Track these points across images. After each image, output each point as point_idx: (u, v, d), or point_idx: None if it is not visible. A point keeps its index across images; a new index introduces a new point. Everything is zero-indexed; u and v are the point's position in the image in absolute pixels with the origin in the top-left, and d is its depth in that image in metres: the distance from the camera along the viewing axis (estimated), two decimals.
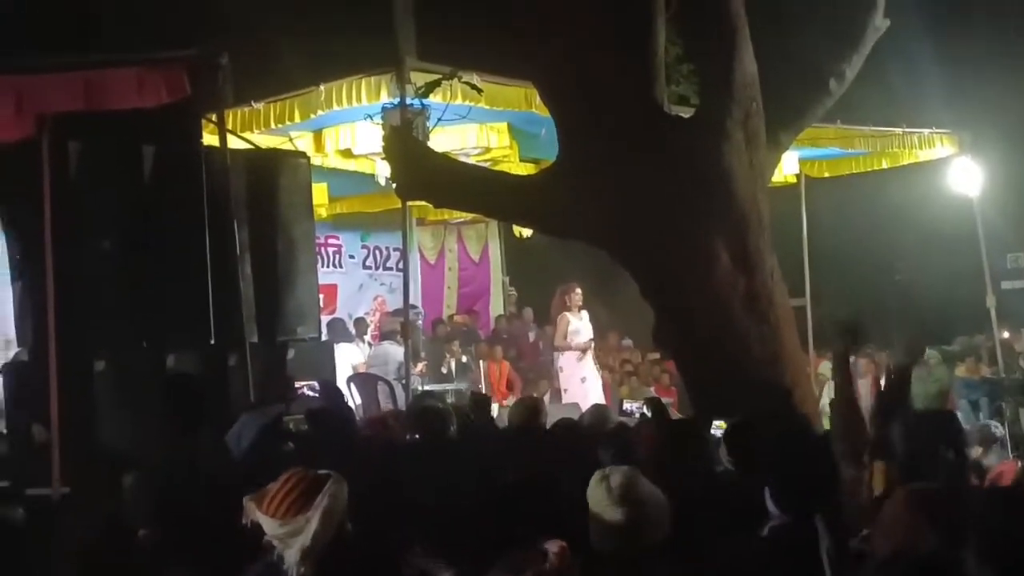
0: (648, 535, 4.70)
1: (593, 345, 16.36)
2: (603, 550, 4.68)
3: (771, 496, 5.23)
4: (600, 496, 4.74)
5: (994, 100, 20.45)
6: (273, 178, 10.74)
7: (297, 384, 10.14)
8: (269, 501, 4.53)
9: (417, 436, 7.70)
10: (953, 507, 4.23)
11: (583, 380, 15.90)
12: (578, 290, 16.19)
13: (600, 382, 16.18)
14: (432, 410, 7.86)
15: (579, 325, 16.13)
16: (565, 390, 16.00)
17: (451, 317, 20.79)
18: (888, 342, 20.43)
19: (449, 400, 14.18)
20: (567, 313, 16.16)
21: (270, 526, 4.51)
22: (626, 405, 9.15)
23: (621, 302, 15.95)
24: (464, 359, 18.19)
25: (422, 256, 21.12)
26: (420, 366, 16.51)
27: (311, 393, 8.99)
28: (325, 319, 15.67)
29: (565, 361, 16.15)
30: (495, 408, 15.15)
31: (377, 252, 20.54)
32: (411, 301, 15.39)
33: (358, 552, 4.59)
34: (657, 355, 18.38)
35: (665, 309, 9.46)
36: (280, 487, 4.56)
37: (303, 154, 12.27)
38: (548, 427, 8.06)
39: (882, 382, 6.86)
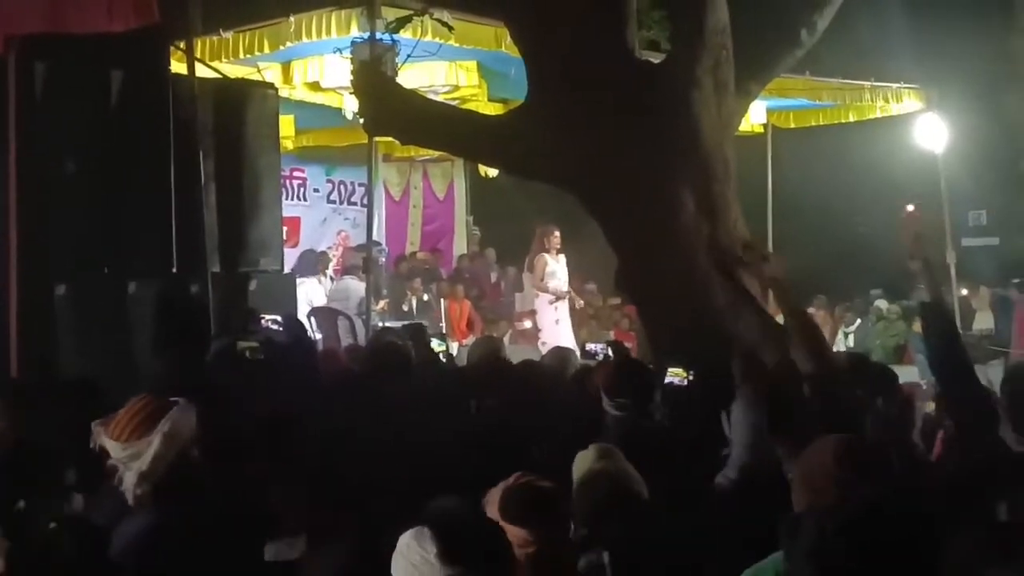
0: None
1: (570, 292, 16.42)
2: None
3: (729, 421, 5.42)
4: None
5: (962, 57, 20.54)
6: (240, 108, 10.71)
7: (261, 317, 10.16)
8: (114, 425, 4.54)
9: (376, 371, 7.73)
10: (882, 459, 4.25)
11: (556, 322, 15.97)
12: (557, 233, 16.21)
13: (570, 325, 16.23)
14: (392, 346, 7.88)
15: (556, 267, 16.16)
16: (540, 329, 16.07)
17: (413, 254, 20.85)
18: (847, 295, 20.62)
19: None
20: (545, 254, 16.18)
21: (114, 449, 4.51)
22: (589, 346, 9.19)
23: (585, 246, 15.99)
24: (425, 297, 18.25)
25: (387, 192, 21.11)
26: (381, 303, 16.55)
27: (274, 326, 9.01)
28: (290, 252, 15.68)
29: (539, 302, 16.19)
30: (454, 347, 15.28)
31: (342, 187, 20.52)
32: (374, 237, 15.42)
33: (201, 478, 4.57)
34: (618, 300, 18.48)
35: (628, 253, 9.51)
36: (126, 412, 4.56)
37: (271, 85, 12.22)
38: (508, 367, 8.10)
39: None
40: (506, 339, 15.99)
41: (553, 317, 16.04)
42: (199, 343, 8.33)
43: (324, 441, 4.96)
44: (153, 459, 4.43)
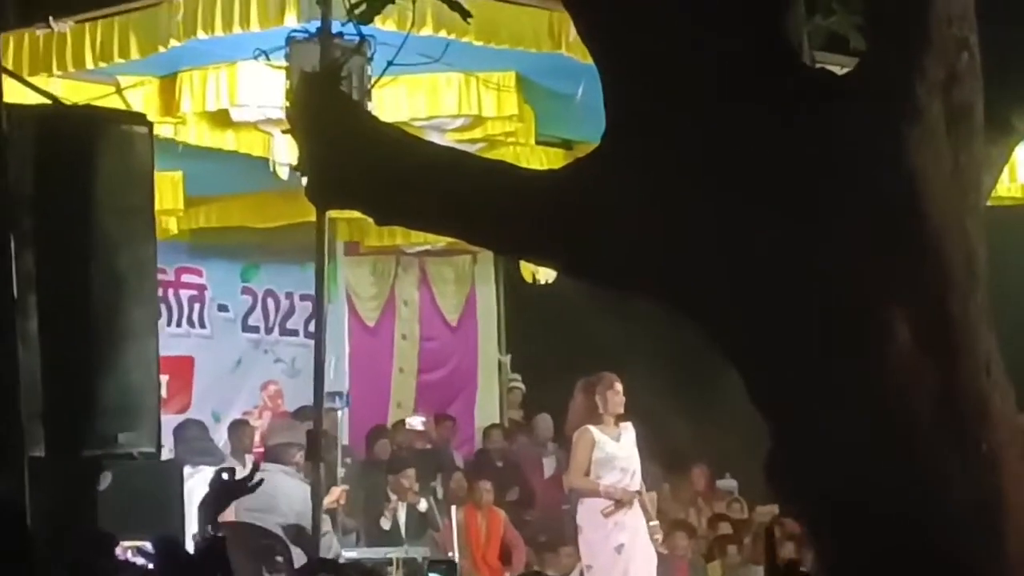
0: None
1: (642, 493, 16.24)
2: None
3: None
4: None
5: None
6: (85, 158, 10.83)
7: (120, 544, 10.16)
8: None
9: None
10: None
11: (618, 549, 15.78)
12: (617, 385, 16.14)
13: (653, 554, 16.09)
14: None
15: (614, 449, 16.02)
16: (589, 566, 15.95)
17: (400, 424, 20.87)
18: None
19: None
20: (592, 427, 16.10)
21: None
22: None
23: (715, 410, 16.06)
24: (423, 504, 18.26)
25: (353, 312, 21.33)
26: (336, 492, 16.47)
27: (140, 561, 9.07)
28: (169, 419, 15.75)
29: (586, 513, 16.03)
30: None
31: (270, 301, 20.76)
32: (329, 390, 15.47)
33: None
34: (775, 507, 18.42)
35: (792, 423, 9.55)
36: None
37: (140, 117, 12.38)
38: None
39: None
40: None
41: (612, 540, 15.87)
42: None
43: None
44: None
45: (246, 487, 7.91)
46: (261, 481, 9.25)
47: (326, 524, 14.23)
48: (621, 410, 16.00)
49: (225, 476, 8.04)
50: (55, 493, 10.22)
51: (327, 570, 10.04)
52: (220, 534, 7.85)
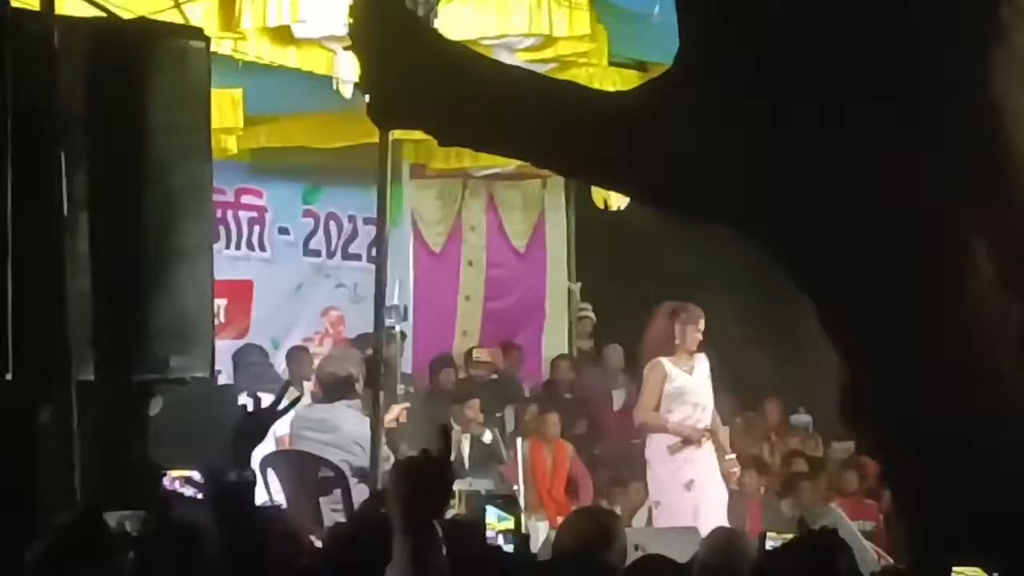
0: None
1: (715, 429, 16.12)
2: None
3: None
4: None
5: None
6: (139, 74, 10.83)
7: (167, 473, 10.13)
8: None
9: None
10: None
11: (688, 485, 15.68)
12: (701, 322, 15.97)
13: (725, 491, 16.01)
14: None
15: (685, 382, 15.86)
16: (657, 502, 15.85)
17: (469, 354, 20.83)
18: None
19: (451, 511, 14.23)
20: (664, 360, 15.95)
21: None
22: (770, 541, 9.06)
23: (790, 344, 15.97)
24: (488, 436, 18.20)
25: (418, 237, 21.25)
26: (397, 410, 16.05)
27: (188, 491, 9.04)
28: (226, 345, 15.72)
29: (654, 448, 15.90)
30: (542, 529, 15.19)
31: (332, 224, 20.71)
32: (392, 319, 15.41)
33: None
34: (849, 444, 18.36)
35: (868, 358, 9.54)
36: None
37: (198, 32, 12.35)
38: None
39: None
40: (641, 516, 15.94)
41: (681, 476, 15.73)
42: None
43: None
44: None
45: (276, 413, 7.82)
46: (294, 403, 9.23)
47: (390, 459, 14.07)
48: (695, 347, 15.85)
49: (250, 408, 8.00)
50: (103, 418, 10.22)
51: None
52: (250, 478, 7.78)
